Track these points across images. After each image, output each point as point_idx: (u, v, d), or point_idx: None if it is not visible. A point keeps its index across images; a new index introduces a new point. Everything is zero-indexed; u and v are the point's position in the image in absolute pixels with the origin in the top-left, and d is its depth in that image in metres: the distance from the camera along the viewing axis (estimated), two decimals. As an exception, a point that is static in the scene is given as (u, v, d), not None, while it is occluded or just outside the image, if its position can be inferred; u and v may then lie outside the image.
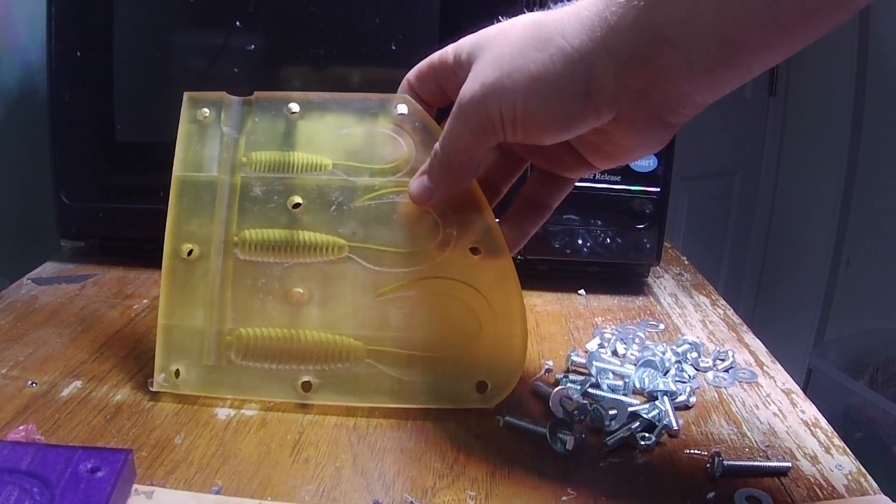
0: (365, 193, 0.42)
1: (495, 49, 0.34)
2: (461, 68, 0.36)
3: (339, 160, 0.42)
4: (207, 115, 0.43)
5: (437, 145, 0.38)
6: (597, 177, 0.59)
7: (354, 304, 0.42)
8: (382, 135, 0.42)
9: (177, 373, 0.43)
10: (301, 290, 0.42)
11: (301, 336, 0.42)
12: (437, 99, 0.41)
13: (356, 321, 0.42)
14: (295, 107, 0.42)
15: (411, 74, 0.41)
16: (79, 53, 0.60)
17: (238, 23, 0.59)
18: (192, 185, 0.43)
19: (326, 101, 0.42)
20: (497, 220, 0.42)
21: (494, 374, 0.42)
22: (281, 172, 0.42)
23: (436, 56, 0.39)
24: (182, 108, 0.43)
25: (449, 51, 0.38)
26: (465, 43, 0.37)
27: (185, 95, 0.44)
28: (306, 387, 0.42)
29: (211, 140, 0.43)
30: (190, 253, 0.43)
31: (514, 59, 0.33)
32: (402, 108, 0.41)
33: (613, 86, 0.32)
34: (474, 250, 0.41)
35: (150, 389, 0.43)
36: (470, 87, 0.35)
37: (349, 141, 0.42)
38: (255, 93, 0.43)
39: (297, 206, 0.42)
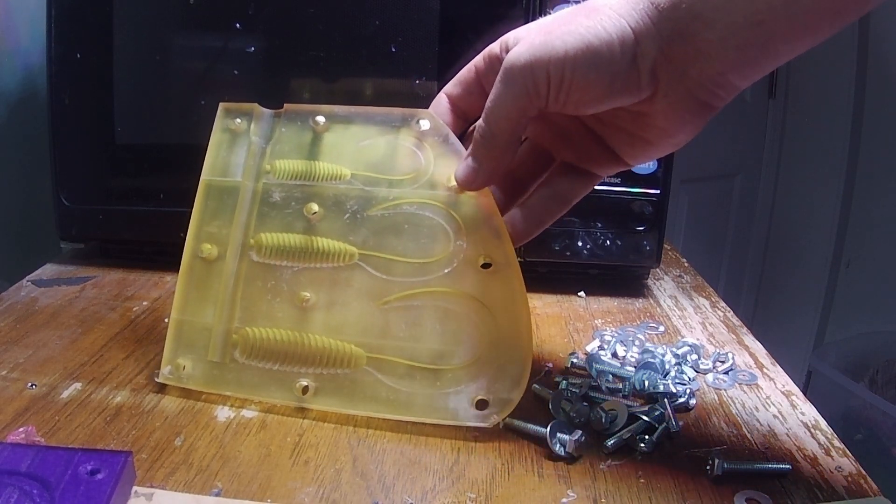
0: (380, 203, 0.42)
1: (543, 24, 0.36)
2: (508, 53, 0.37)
3: (358, 171, 0.43)
4: (239, 123, 0.45)
5: (480, 120, 0.38)
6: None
7: (359, 311, 0.42)
8: (403, 148, 0.42)
9: (182, 367, 0.43)
10: (308, 295, 0.43)
11: (304, 339, 0.42)
12: (476, 106, 0.41)
13: (359, 327, 0.42)
14: (321, 119, 0.44)
15: (450, 84, 0.41)
16: (79, 55, 0.60)
17: (238, 25, 0.59)
18: (218, 189, 0.45)
19: (351, 114, 0.44)
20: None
21: (495, 392, 0.41)
22: (302, 180, 0.44)
23: (479, 56, 0.40)
24: (216, 118, 0.45)
25: (495, 45, 0.38)
26: (511, 33, 0.37)
27: (221, 106, 0.46)
28: (304, 390, 0.42)
29: (240, 148, 0.45)
30: (209, 253, 0.44)
31: (563, 25, 0.34)
32: (425, 124, 0.42)
33: (656, 57, 0.33)
34: (485, 265, 0.41)
35: (156, 380, 0.43)
36: (516, 52, 0.35)
37: (370, 152, 0.43)
38: (284, 105, 0.45)
39: (314, 213, 0.43)
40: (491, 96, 0.37)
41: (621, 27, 0.33)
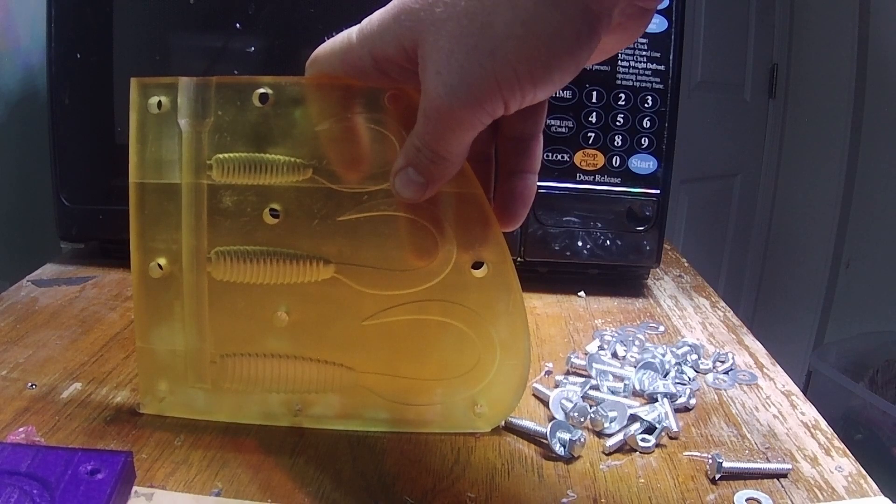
0: (352, 205, 0.37)
1: (447, 27, 0.29)
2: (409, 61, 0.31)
3: (319, 162, 0.37)
4: (162, 105, 0.37)
5: (417, 141, 0.32)
6: (597, 179, 0.60)
7: (343, 328, 0.39)
8: (369, 131, 0.36)
9: (162, 398, 0.41)
10: (285, 314, 0.39)
11: (289, 361, 0.40)
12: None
13: (346, 346, 0.40)
14: (265, 96, 0.37)
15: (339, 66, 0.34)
16: (79, 55, 0.60)
17: (238, 25, 0.59)
18: (153, 192, 0.38)
19: (303, 88, 0.37)
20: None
21: (494, 399, 0.40)
22: (252, 176, 0.37)
23: (363, 51, 0.33)
24: (131, 98, 0.37)
25: (383, 44, 0.31)
26: (397, 29, 0.31)
27: (134, 82, 0.37)
28: (296, 412, 0.40)
29: (168, 139, 0.37)
30: (160, 272, 0.39)
31: (485, 30, 0.28)
32: (396, 101, 0.36)
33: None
34: (476, 265, 0.38)
35: (139, 412, 0.41)
36: (448, 91, 0.29)
37: (332, 140, 0.37)
38: (215, 79, 0.37)
39: (274, 214, 0.38)
40: (427, 128, 0.31)
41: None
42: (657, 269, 0.69)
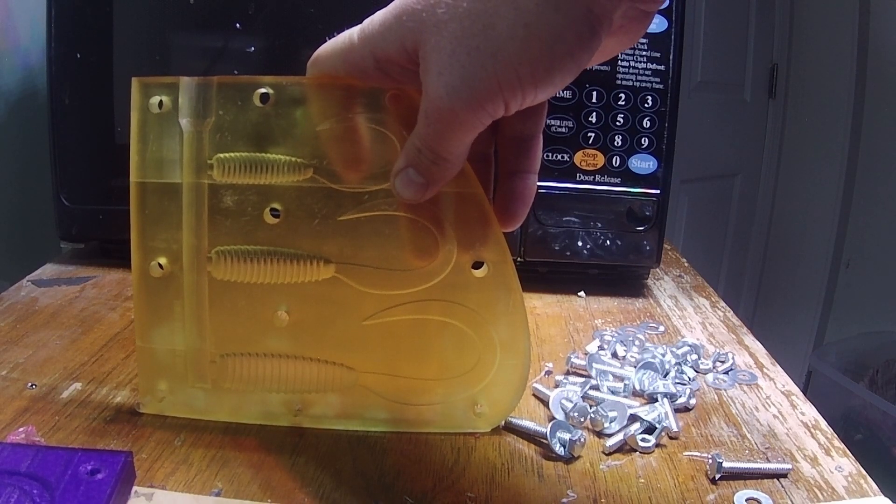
0: (353, 205, 0.37)
1: (449, 28, 0.29)
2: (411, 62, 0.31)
3: (319, 162, 0.37)
4: (163, 104, 0.37)
5: (417, 142, 0.32)
6: (597, 179, 0.60)
7: (344, 328, 0.39)
8: (370, 131, 0.37)
9: (162, 398, 0.41)
10: (286, 313, 0.39)
11: (289, 361, 0.40)
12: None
13: (346, 346, 0.40)
14: (266, 96, 0.37)
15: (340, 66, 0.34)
16: (79, 55, 0.60)
17: (238, 25, 0.59)
18: (154, 192, 0.38)
19: (304, 88, 0.37)
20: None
21: (494, 398, 0.40)
22: (253, 175, 0.38)
23: (365, 52, 0.33)
24: (132, 98, 0.37)
25: (385, 44, 0.32)
26: (399, 30, 0.31)
27: (136, 82, 0.37)
28: (297, 412, 0.40)
29: (169, 139, 0.38)
30: (161, 271, 0.39)
31: (487, 31, 0.28)
32: (394, 100, 0.36)
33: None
34: (476, 265, 0.38)
35: (139, 412, 0.41)
36: (449, 91, 0.29)
37: (332, 139, 0.37)
38: (217, 78, 0.37)
39: (275, 214, 0.38)
40: (427, 129, 0.31)
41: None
42: (657, 269, 0.69)
